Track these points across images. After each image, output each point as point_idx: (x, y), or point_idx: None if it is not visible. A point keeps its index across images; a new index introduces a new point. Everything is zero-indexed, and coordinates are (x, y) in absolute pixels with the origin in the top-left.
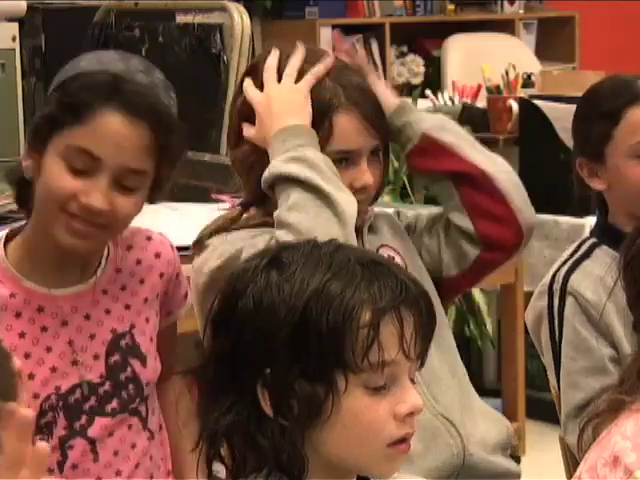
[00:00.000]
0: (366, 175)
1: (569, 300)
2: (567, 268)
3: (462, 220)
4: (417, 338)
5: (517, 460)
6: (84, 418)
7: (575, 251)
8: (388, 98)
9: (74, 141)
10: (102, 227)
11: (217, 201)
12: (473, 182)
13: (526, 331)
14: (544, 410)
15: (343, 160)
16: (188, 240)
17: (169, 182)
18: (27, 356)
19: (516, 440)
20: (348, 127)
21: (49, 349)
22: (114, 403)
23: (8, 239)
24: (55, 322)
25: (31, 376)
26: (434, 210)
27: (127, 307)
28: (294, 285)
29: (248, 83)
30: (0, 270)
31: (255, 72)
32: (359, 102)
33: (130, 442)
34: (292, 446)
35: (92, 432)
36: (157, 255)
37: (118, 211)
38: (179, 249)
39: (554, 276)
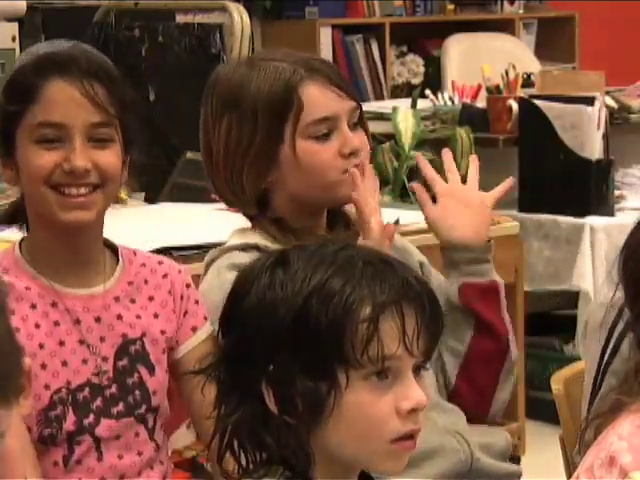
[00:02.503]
0: (351, 137)
1: (631, 336)
2: None
3: (450, 364)
4: (420, 334)
5: (517, 460)
6: (92, 416)
7: None
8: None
9: (36, 120)
10: (94, 188)
11: (217, 201)
12: (492, 340)
13: (526, 331)
14: (544, 410)
15: (326, 133)
16: (188, 240)
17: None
18: (41, 346)
19: (516, 440)
20: (318, 94)
21: (62, 343)
22: (120, 406)
23: (22, 240)
24: (68, 319)
25: (43, 366)
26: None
27: (138, 317)
28: (296, 282)
29: None
30: (16, 267)
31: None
32: (321, 69)
33: (136, 449)
34: (298, 443)
35: (99, 431)
36: (165, 276)
37: (101, 165)
38: (178, 249)
39: None
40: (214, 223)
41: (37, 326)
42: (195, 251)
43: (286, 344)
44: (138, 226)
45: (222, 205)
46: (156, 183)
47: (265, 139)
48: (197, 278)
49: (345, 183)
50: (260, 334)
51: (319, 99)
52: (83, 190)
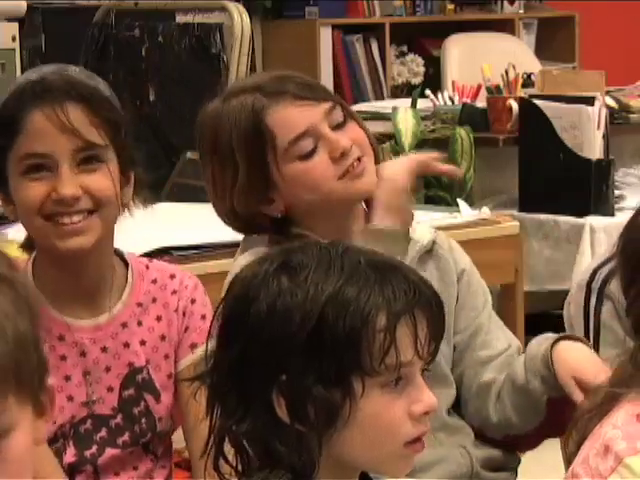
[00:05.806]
0: (336, 140)
1: (607, 305)
2: (608, 269)
3: (500, 426)
4: (430, 338)
5: (517, 460)
6: (94, 447)
7: None
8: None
9: (21, 152)
10: (90, 213)
11: None
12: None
13: (526, 331)
14: None
15: (311, 148)
16: (188, 240)
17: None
18: None
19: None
20: (283, 116)
21: (67, 378)
22: (125, 436)
23: (34, 260)
24: (74, 352)
25: None
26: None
27: (142, 343)
28: (308, 290)
29: None
30: None
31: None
32: (280, 90)
33: (132, 465)
34: (307, 450)
35: (101, 461)
36: (174, 292)
37: (92, 190)
38: (178, 249)
39: (594, 273)
40: (214, 223)
41: None
42: (195, 251)
43: (300, 353)
44: (138, 226)
45: None
46: (156, 183)
47: (248, 174)
48: (197, 278)
49: (343, 185)
50: (272, 343)
51: (287, 120)
52: (76, 218)
